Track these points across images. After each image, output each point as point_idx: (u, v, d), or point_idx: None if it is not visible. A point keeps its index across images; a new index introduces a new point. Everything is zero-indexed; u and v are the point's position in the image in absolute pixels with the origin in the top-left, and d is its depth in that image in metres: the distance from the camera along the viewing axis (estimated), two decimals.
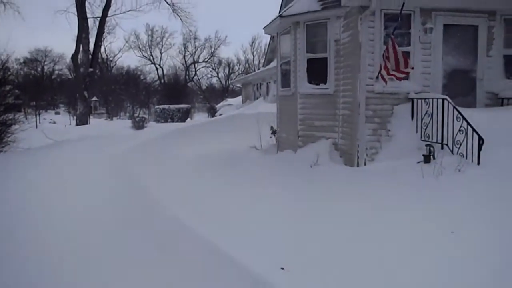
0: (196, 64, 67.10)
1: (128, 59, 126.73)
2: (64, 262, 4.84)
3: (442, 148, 8.03)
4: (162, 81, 64.67)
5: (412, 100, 9.01)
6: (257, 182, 8.44)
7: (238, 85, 48.10)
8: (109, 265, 4.71)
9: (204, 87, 68.37)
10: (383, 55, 8.62)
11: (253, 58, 68.33)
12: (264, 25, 12.20)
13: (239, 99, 44.13)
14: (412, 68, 8.71)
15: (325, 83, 10.04)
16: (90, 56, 34.55)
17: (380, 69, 8.69)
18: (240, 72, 67.16)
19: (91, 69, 34.61)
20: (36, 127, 29.16)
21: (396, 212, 5.78)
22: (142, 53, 67.80)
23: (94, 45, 35.27)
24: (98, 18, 35.77)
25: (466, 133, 7.44)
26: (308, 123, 10.32)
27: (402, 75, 8.58)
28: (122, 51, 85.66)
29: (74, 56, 33.50)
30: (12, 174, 9.84)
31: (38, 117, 39.92)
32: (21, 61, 60.77)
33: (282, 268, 4.12)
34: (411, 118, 8.98)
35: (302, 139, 10.38)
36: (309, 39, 10.29)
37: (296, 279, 4.02)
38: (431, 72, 9.31)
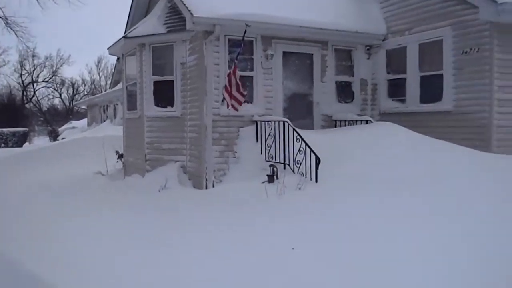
0: (35, 84, 62.01)
1: None
2: None
3: (284, 168, 8.45)
4: None
5: (256, 122, 9.38)
6: (99, 208, 7.95)
7: (84, 106, 45.56)
8: None
9: (45, 109, 63.36)
10: (227, 79, 8.84)
11: (100, 79, 65.45)
12: (109, 45, 11.76)
13: (84, 121, 41.78)
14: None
15: (172, 106, 9.96)
16: None
17: (224, 94, 8.89)
18: (85, 93, 63.77)
19: None
20: None
21: (235, 233, 5.86)
22: None
23: None
24: None
25: (305, 153, 7.95)
26: (156, 147, 10.11)
27: (242, 100, 8.87)
28: None
29: None
30: None
31: None
32: None
33: None
34: (256, 140, 9.33)
35: (150, 163, 10.12)
36: (156, 61, 10.16)
37: None
38: (273, 96, 9.83)
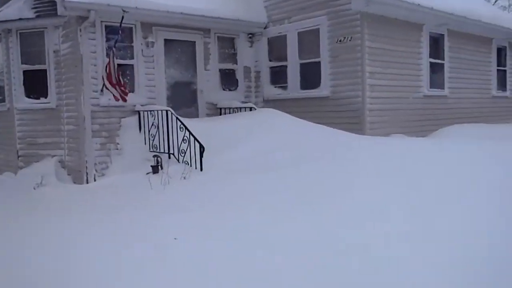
0: None
1: None
2: None
3: (169, 157, 8.30)
4: None
5: (138, 112, 9.08)
6: None
7: None
8: None
9: None
10: (106, 68, 8.43)
11: None
12: None
13: None
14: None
15: (46, 97, 9.28)
16: None
17: (104, 83, 8.48)
18: None
19: None
20: None
21: (117, 229, 5.62)
22: None
23: None
24: None
25: (189, 142, 7.86)
26: (29, 141, 9.36)
27: (127, 90, 8.57)
28: None
29: None
30: None
31: None
32: None
33: None
34: (139, 130, 9.04)
35: (24, 159, 9.36)
36: (25, 49, 9.36)
37: None
38: (156, 85, 9.58)
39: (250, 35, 11.12)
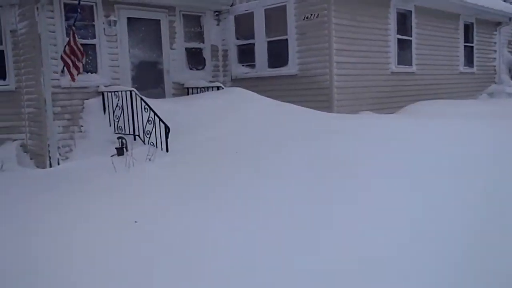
0: None
1: None
2: None
3: (135, 139, 8.13)
4: None
5: (102, 93, 8.84)
6: None
7: None
8: None
9: None
10: (65, 48, 8.13)
11: None
12: None
13: None
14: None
15: (4, 78, 8.91)
16: None
17: (64, 64, 8.18)
18: None
19: None
20: None
21: (79, 211, 5.49)
22: None
23: None
24: None
25: (154, 123, 7.70)
26: None
27: (80, 70, 8.27)
28: None
29: None
30: None
31: None
32: None
33: None
34: (103, 112, 8.82)
35: None
36: None
37: None
38: (120, 65, 9.32)
39: (217, 13, 10.90)
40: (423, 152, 5.62)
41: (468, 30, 14.01)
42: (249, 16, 10.45)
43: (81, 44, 8.17)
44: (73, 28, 8.12)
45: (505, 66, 16.69)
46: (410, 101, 10.83)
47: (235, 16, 10.79)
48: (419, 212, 4.16)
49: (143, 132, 7.96)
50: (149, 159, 7.24)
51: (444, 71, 12.74)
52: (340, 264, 3.54)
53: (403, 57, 11.09)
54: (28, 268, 4.13)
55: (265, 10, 10.13)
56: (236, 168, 6.19)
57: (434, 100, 11.21)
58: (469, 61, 14.09)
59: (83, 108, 8.78)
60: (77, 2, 8.22)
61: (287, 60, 9.78)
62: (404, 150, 5.79)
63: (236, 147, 6.96)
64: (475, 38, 14.27)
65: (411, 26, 11.39)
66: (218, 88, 9.91)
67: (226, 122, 8.05)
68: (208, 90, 10.00)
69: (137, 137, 8.11)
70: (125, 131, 8.28)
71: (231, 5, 10.72)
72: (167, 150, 7.47)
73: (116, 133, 8.42)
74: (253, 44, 10.45)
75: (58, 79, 8.45)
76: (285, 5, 9.73)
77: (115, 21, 9.13)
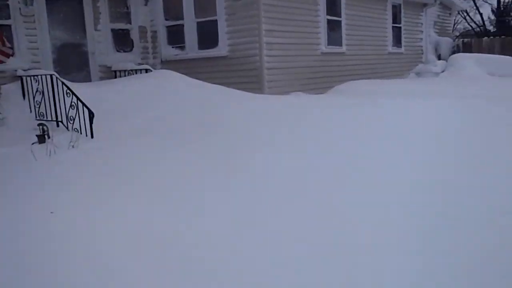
0: None
1: None
2: None
3: (58, 125, 7.75)
4: None
5: (21, 78, 8.35)
6: None
7: None
8: None
9: None
10: None
11: None
12: None
13: None
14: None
15: None
16: None
17: None
18: None
19: None
20: None
21: None
22: None
23: None
24: None
25: (77, 108, 7.37)
26: None
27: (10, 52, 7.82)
28: None
29: None
30: None
31: None
32: None
33: None
34: (23, 98, 8.35)
35: None
36: None
37: None
38: (39, 48, 8.84)
39: None
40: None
41: (396, 11, 14.40)
42: None
43: None
44: None
45: (432, 46, 17.36)
46: (340, 81, 10.99)
47: None
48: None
49: (66, 118, 7.60)
50: (72, 146, 6.92)
51: (373, 51, 13.05)
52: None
53: (333, 37, 11.23)
54: None
55: None
56: (161, 154, 6.07)
57: (362, 80, 11.46)
58: (397, 41, 14.51)
59: (0, 93, 8.26)
60: None
61: (217, 41, 9.65)
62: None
63: (163, 131, 6.82)
64: (403, 19, 14.70)
65: (341, 7, 11.53)
66: (146, 70, 9.62)
67: (151, 106, 7.85)
68: (136, 73, 9.68)
69: (60, 123, 7.74)
70: (47, 117, 7.88)
71: None
72: (92, 136, 7.19)
73: (38, 120, 7.99)
74: (182, 25, 10.21)
75: None
76: None
77: (31, 1, 8.59)
